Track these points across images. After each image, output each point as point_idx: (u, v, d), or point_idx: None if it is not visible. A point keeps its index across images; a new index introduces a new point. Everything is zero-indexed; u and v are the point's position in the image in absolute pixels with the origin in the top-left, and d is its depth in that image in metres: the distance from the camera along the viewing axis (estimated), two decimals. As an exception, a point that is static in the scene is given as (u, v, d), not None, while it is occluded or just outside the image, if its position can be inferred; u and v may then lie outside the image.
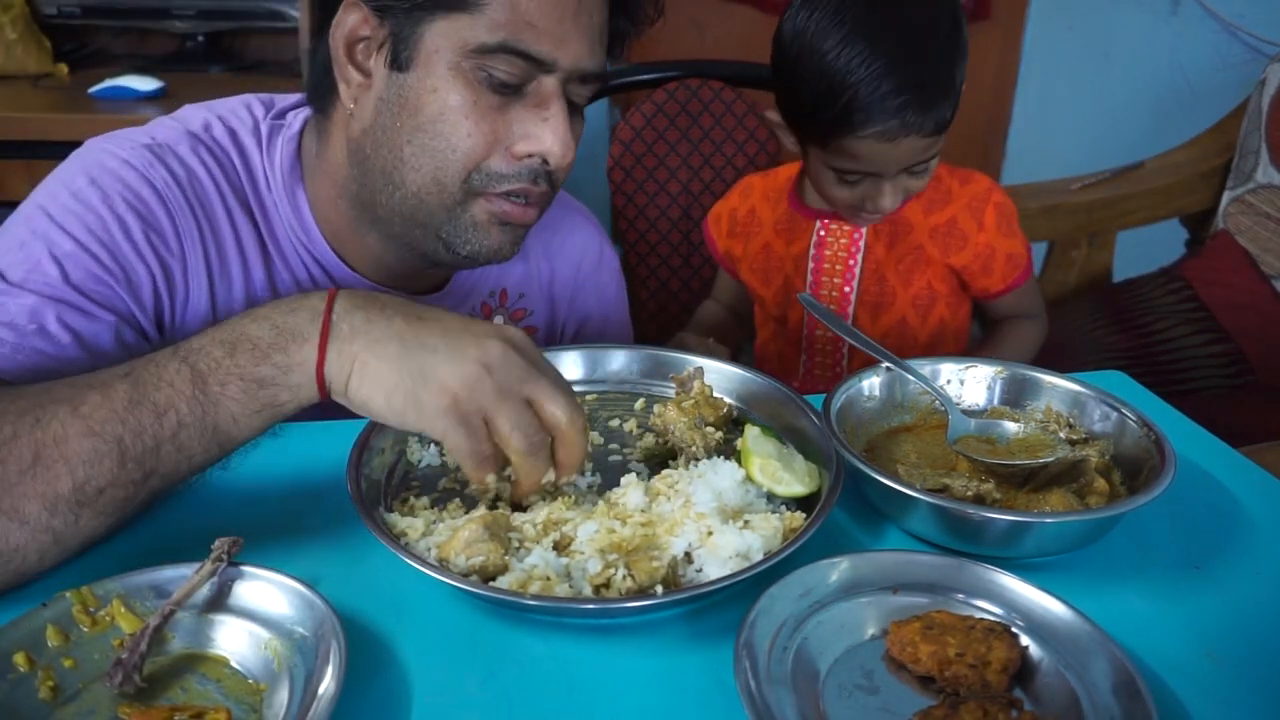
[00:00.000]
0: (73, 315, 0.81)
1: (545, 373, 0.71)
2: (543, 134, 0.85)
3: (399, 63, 0.84)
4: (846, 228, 1.33)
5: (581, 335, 1.21)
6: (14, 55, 2.10)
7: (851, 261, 1.34)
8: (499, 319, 1.12)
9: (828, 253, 1.34)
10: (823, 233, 1.34)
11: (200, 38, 2.30)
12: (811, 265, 1.35)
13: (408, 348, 0.67)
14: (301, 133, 0.96)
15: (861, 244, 1.33)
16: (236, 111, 0.97)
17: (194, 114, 0.96)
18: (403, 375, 0.67)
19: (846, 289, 1.35)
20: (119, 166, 0.87)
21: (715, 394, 0.94)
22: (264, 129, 0.96)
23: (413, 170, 0.86)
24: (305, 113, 0.97)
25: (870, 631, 0.67)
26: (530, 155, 0.86)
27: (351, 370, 0.68)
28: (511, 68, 0.82)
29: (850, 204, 1.24)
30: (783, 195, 1.39)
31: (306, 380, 0.68)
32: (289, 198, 0.94)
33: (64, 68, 2.17)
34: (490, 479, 0.73)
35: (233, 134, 0.95)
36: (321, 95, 0.91)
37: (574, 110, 0.89)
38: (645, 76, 1.76)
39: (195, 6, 2.22)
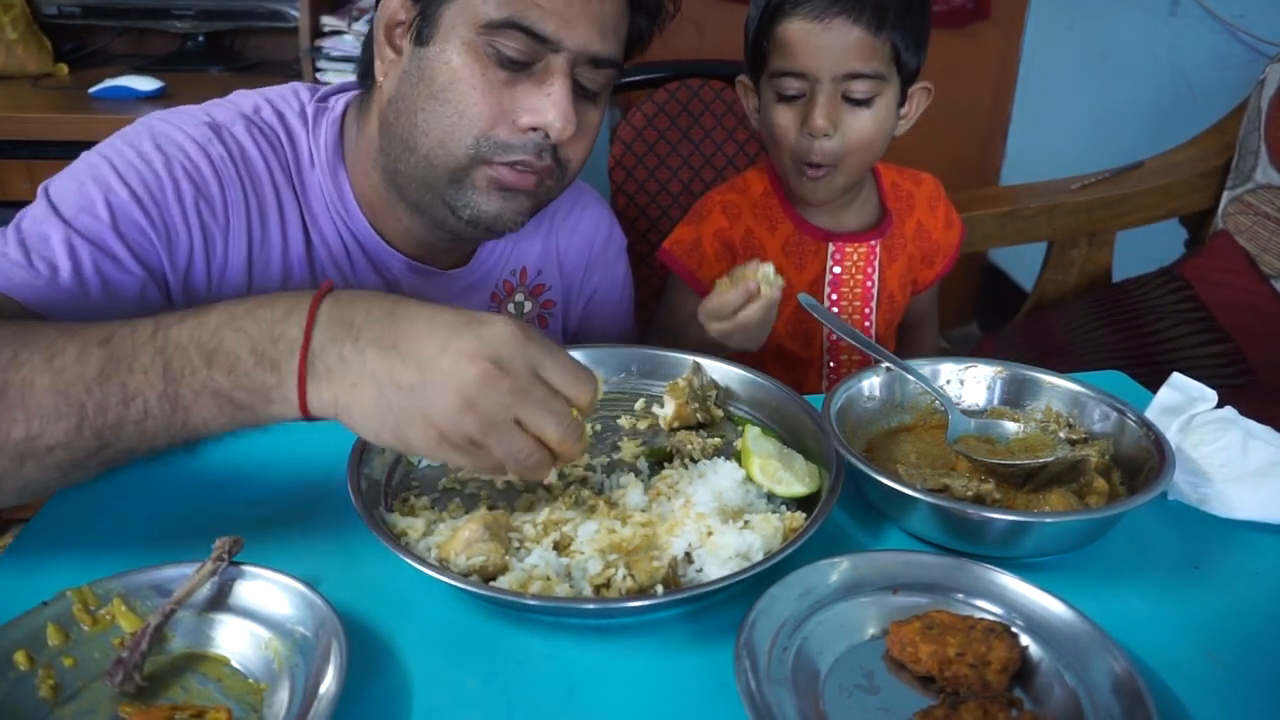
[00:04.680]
0: (106, 263, 0.86)
1: (532, 390, 0.65)
2: (544, 107, 0.88)
3: (421, 38, 0.90)
4: (863, 249, 1.29)
5: (590, 309, 1.26)
6: (14, 55, 2.09)
7: (870, 283, 1.31)
8: (520, 296, 1.17)
9: (845, 276, 1.30)
10: (838, 255, 1.30)
11: (200, 38, 2.29)
12: (829, 291, 1.31)
13: (383, 390, 0.64)
14: (343, 116, 1.02)
15: (877, 263, 1.30)
16: (285, 96, 1.03)
17: (244, 98, 1.02)
18: (385, 416, 0.65)
19: (867, 310, 1.32)
20: (183, 139, 0.93)
21: (714, 394, 0.94)
22: (310, 110, 1.02)
23: (424, 135, 0.91)
24: (347, 97, 1.04)
25: (870, 631, 0.67)
26: (534, 129, 0.89)
27: (336, 410, 0.66)
28: (518, 44, 0.86)
29: (791, 134, 1.17)
30: (779, 215, 1.31)
31: (289, 410, 0.66)
32: (331, 175, 1.00)
33: (64, 68, 2.17)
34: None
35: (280, 116, 1.01)
36: (367, 75, 0.98)
37: (585, 95, 0.93)
38: (646, 76, 1.76)
39: (195, 6, 2.22)
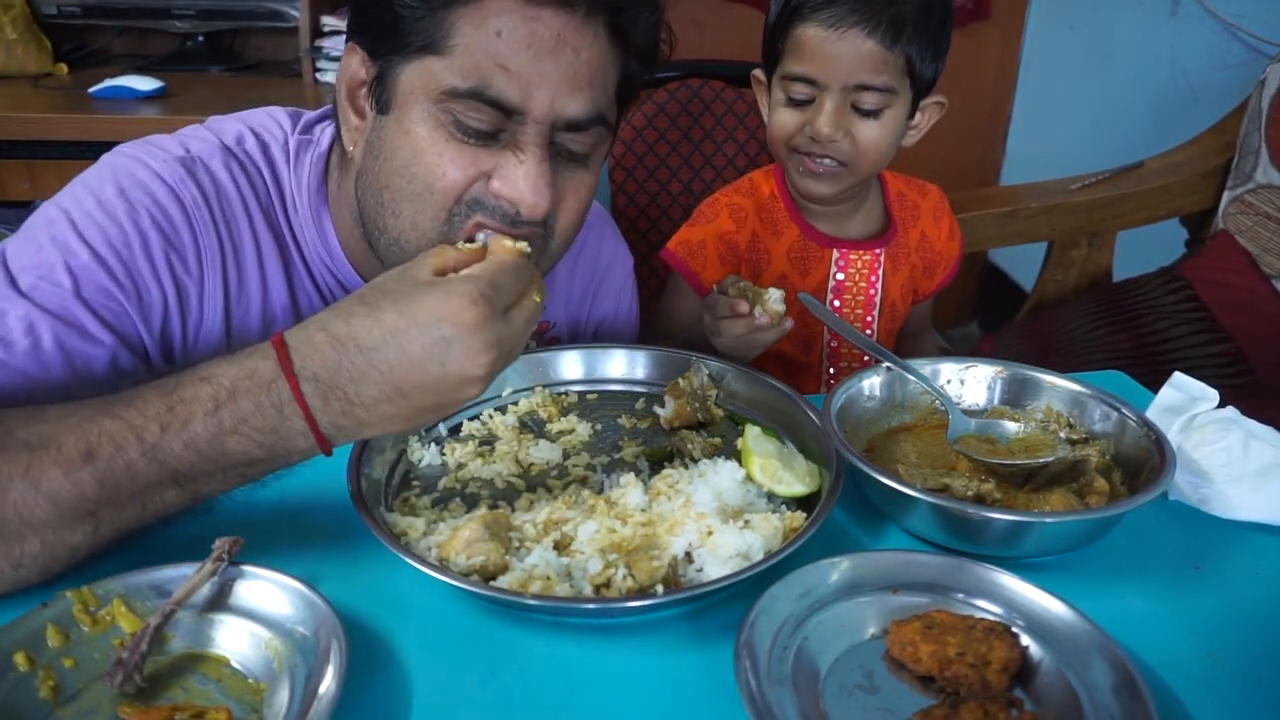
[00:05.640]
0: (71, 336, 0.79)
1: (519, 323, 0.69)
2: (515, 177, 0.80)
3: (381, 104, 0.83)
4: (866, 257, 1.29)
5: (599, 335, 1.21)
6: (14, 55, 2.10)
7: (872, 291, 1.31)
8: None
9: (848, 283, 1.30)
10: (842, 261, 1.29)
11: (200, 38, 2.29)
12: (831, 297, 1.30)
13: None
14: (330, 149, 0.95)
15: (880, 271, 1.30)
16: (267, 125, 0.96)
17: (227, 125, 0.94)
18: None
19: (869, 317, 1.32)
20: (150, 179, 0.85)
21: (714, 394, 0.94)
22: (292, 144, 0.94)
23: (392, 215, 0.84)
24: (333, 126, 0.95)
25: (870, 631, 0.67)
26: (503, 198, 0.81)
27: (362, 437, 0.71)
28: (481, 114, 0.78)
29: (795, 136, 1.17)
30: (785, 220, 1.30)
31: (311, 450, 0.69)
32: (314, 219, 0.93)
33: (64, 68, 2.17)
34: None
35: (265, 148, 0.93)
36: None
37: (573, 159, 0.85)
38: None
39: (195, 6, 2.22)
